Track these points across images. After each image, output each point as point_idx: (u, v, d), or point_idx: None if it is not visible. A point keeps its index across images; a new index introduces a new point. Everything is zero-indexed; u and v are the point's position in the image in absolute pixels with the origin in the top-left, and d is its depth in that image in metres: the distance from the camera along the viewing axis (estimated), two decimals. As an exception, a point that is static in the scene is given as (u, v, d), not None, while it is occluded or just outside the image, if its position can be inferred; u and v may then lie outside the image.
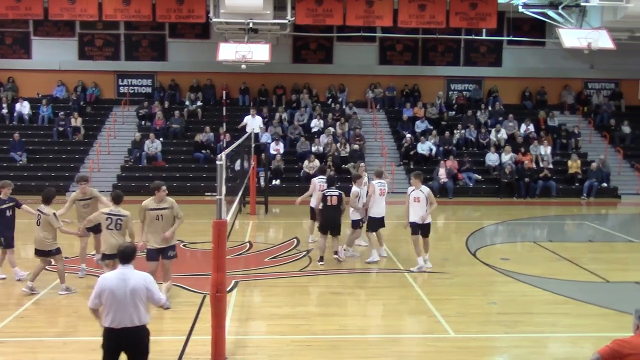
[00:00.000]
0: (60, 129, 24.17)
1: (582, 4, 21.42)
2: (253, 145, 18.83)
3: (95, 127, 25.03)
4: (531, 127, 25.03)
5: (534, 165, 23.02)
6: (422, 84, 27.21)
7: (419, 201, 11.78)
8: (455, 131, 24.72)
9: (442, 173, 22.10)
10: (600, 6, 20.81)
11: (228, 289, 9.66)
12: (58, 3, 22.03)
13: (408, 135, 24.05)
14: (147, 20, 23.12)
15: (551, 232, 17.18)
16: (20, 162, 22.69)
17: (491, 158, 23.44)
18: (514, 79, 27.49)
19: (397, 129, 25.24)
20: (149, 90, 26.96)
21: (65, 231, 10.47)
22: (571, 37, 21.48)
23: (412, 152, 23.54)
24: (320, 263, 12.30)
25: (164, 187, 9.70)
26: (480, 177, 22.95)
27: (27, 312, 9.51)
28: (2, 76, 26.26)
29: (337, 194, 12.27)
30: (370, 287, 11.32)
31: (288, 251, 13.61)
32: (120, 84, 27.03)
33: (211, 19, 21.35)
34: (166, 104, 25.63)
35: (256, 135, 22.00)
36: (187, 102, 25.99)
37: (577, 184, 22.89)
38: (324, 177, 13.95)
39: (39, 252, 10.31)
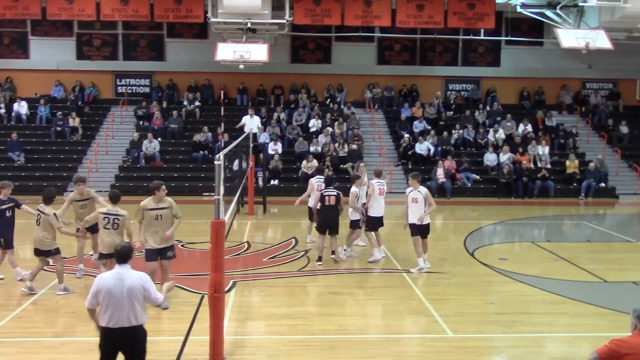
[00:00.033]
0: (58, 129, 24.14)
1: (580, 4, 21.45)
2: (251, 145, 18.83)
3: (93, 127, 25.01)
4: (529, 127, 25.06)
5: (532, 165, 23.05)
6: (420, 84, 27.23)
7: (417, 202, 11.78)
8: (453, 131, 24.73)
9: (440, 173, 22.11)
10: (598, 6, 20.83)
11: (226, 289, 9.66)
12: (56, 3, 21.98)
13: (406, 135, 24.07)
14: (145, 20, 23.08)
15: (549, 232, 17.20)
16: (18, 162, 22.66)
17: (489, 158, 23.47)
18: (512, 79, 27.51)
19: (395, 129, 25.26)
20: (147, 90, 26.94)
21: (64, 232, 10.46)
22: (569, 37, 21.49)
23: (410, 152, 23.55)
24: (319, 263, 12.31)
25: (164, 187, 9.71)
26: (478, 177, 22.97)
27: (25, 312, 9.51)
28: (0, 76, 26.21)
29: (335, 193, 12.27)
30: (368, 287, 11.32)
31: (286, 251, 13.62)
32: (118, 83, 27.01)
33: (209, 19, 21.33)
34: (164, 104, 25.63)
35: (254, 135, 22.01)
36: (185, 102, 25.99)
37: (575, 184, 22.92)
38: (322, 177, 13.96)
39: (38, 252, 10.29)
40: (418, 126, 24.90)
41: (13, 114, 24.83)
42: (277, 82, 26.74)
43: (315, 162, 21.34)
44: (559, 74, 27.42)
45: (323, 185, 13.01)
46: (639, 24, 21.29)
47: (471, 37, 25.53)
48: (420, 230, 11.82)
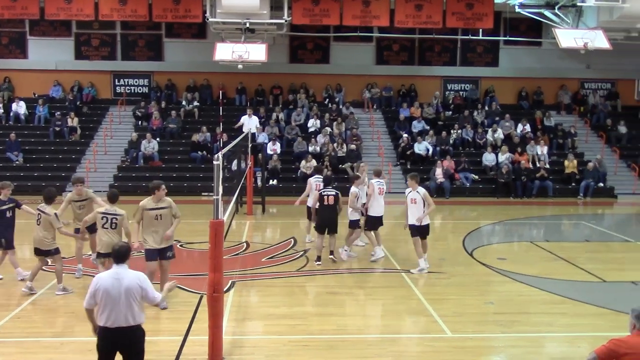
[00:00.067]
0: (57, 129, 24.12)
1: (579, 4, 21.47)
2: (250, 145, 18.82)
3: (91, 127, 24.99)
4: (528, 127, 25.09)
5: (530, 165, 23.07)
6: (419, 84, 27.24)
7: (415, 203, 11.77)
8: (452, 131, 24.74)
9: (439, 173, 22.12)
10: (597, 6, 20.85)
11: (225, 289, 9.65)
12: (54, 3, 21.95)
13: (405, 135, 24.07)
14: (143, 20, 23.06)
15: (548, 232, 17.21)
16: (17, 162, 22.63)
17: (488, 158, 23.48)
18: (510, 79, 27.54)
19: (394, 129, 25.26)
20: (145, 90, 26.93)
21: (64, 232, 10.46)
22: (567, 37, 21.51)
23: (409, 152, 23.55)
24: (318, 263, 12.31)
25: (163, 187, 9.70)
26: (477, 177, 22.98)
27: (24, 312, 9.50)
28: (-2, 76, 26.23)
29: (333, 193, 12.28)
30: (367, 287, 11.32)
31: (285, 251, 13.61)
32: (117, 83, 26.99)
33: (208, 19, 21.32)
34: (163, 104, 25.63)
35: (253, 135, 22.00)
36: (183, 102, 25.98)
37: (573, 184, 22.95)
38: (320, 176, 13.99)
39: (38, 252, 10.29)
40: (417, 126, 24.92)
41: (11, 114, 24.81)
42: (275, 82, 26.73)
43: (314, 162, 21.34)
44: (557, 74, 27.45)
45: (322, 184, 13.01)
46: (637, 24, 21.32)
47: (470, 37, 25.51)
48: (420, 231, 11.82)
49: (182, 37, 26.54)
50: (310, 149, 23.22)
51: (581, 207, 21.59)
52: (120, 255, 6.15)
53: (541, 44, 26.75)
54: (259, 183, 19.55)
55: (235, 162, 16.18)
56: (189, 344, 8.25)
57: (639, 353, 5.19)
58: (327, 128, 24.13)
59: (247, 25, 20.97)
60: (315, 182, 13.70)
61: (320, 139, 23.66)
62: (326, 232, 12.38)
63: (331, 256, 12.49)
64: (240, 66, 21.39)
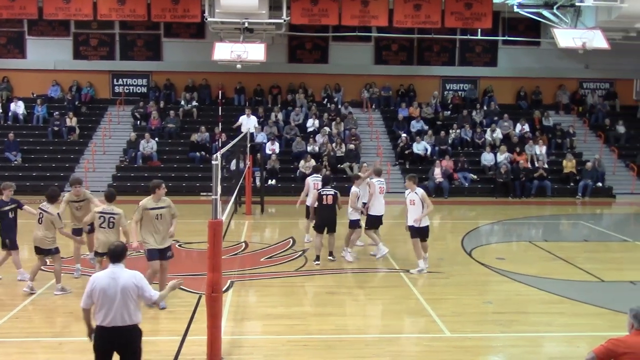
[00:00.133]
0: (55, 128, 24.09)
1: (577, 4, 21.46)
2: (249, 145, 18.83)
3: (90, 127, 24.97)
4: (526, 127, 25.10)
5: (529, 165, 23.08)
6: (418, 83, 27.26)
7: (414, 204, 11.75)
8: (450, 131, 24.75)
9: (437, 173, 22.12)
10: (595, 6, 20.83)
11: (224, 289, 9.65)
12: (53, 2, 21.93)
13: (404, 135, 24.07)
14: (142, 20, 23.04)
15: (546, 232, 17.21)
16: (15, 162, 22.61)
17: (486, 158, 23.49)
18: (509, 78, 27.55)
19: (393, 128, 25.26)
20: (144, 90, 26.91)
21: (64, 233, 10.46)
22: (566, 37, 21.53)
23: (407, 152, 23.56)
24: (316, 262, 12.31)
25: (164, 186, 9.70)
26: (475, 176, 22.99)
27: (23, 312, 9.50)
28: (-3, 76, 26.21)
29: (332, 193, 12.28)
30: (366, 286, 11.32)
31: (284, 251, 13.61)
32: (115, 83, 26.98)
33: (206, 19, 21.31)
34: (161, 104, 25.60)
35: (251, 135, 21.99)
36: (182, 102, 25.96)
37: (572, 184, 22.96)
38: (319, 175, 13.99)
39: (38, 251, 10.28)
40: (415, 126, 24.92)
41: (10, 114, 24.77)
42: (274, 82, 26.73)
43: (313, 162, 21.34)
44: (556, 73, 27.47)
45: (320, 184, 13.02)
46: (635, 23, 21.32)
47: (468, 37, 25.56)
48: (419, 233, 11.79)
49: (180, 37, 26.52)
50: (309, 148, 23.22)
51: (580, 207, 21.61)
52: (116, 254, 6.14)
53: (540, 43, 26.74)
54: (258, 183, 19.54)
55: (234, 162, 16.17)
56: (187, 344, 8.25)
57: (638, 352, 5.20)
58: (325, 128, 24.12)
59: (246, 25, 20.96)
60: (313, 182, 13.72)
61: (319, 138, 23.66)
62: (325, 231, 12.38)
63: (330, 257, 12.49)
64: (239, 66, 21.39)
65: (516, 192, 22.30)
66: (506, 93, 27.50)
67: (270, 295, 10.59)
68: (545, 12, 22.91)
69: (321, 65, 27.01)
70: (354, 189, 12.52)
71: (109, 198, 9.91)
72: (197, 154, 23.09)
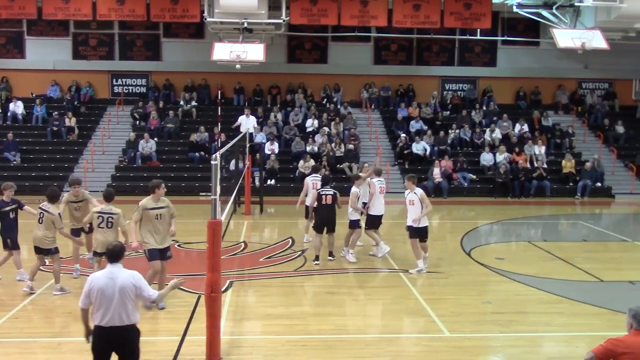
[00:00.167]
0: (54, 128, 24.08)
1: (576, 4, 21.46)
2: (248, 145, 18.83)
3: (89, 127, 24.95)
4: (525, 127, 25.11)
5: (528, 165, 23.07)
6: (417, 83, 27.26)
7: (413, 204, 11.74)
8: (449, 131, 24.76)
9: (436, 173, 22.13)
10: (594, 6, 20.83)
11: (223, 289, 9.65)
12: (52, 2, 21.93)
13: (403, 135, 24.07)
14: (141, 20, 23.04)
15: (545, 232, 17.21)
16: (14, 162, 22.59)
17: (486, 158, 23.49)
18: (508, 78, 27.56)
19: (392, 128, 25.26)
20: (143, 90, 26.90)
21: (64, 234, 10.45)
22: (565, 37, 21.52)
23: (406, 152, 23.56)
24: (316, 262, 12.31)
25: (163, 186, 9.69)
26: (474, 176, 22.99)
27: (22, 312, 9.49)
28: (-4, 76, 26.19)
29: (331, 192, 12.29)
30: (365, 286, 11.32)
31: (283, 251, 13.61)
32: (115, 83, 26.96)
33: (206, 19, 21.30)
34: (161, 104, 25.58)
35: (250, 135, 21.98)
36: (181, 102, 25.95)
37: (571, 184, 22.97)
38: (318, 175, 13.99)
39: (38, 250, 10.28)
40: (415, 126, 24.93)
41: (9, 114, 24.75)
42: (273, 82, 26.72)
43: (312, 162, 21.34)
44: (555, 74, 27.48)
45: (319, 184, 13.03)
46: (634, 24, 21.32)
47: (467, 37, 25.56)
48: (418, 233, 11.78)
49: (180, 37, 26.51)
50: (308, 148, 23.22)
51: (579, 207, 21.62)
52: (114, 254, 6.14)
53: (539, 44, 26.76)
54: (257, 183, 19.54)
55: (233, 162, 16.19)
56: (186, 344, 8.25)
57: (637, 352, 5.21)
58: (325, 128, 24.11)
59: (245, 25, 20.95)
60: (312, 181, 13.72)
61: (318, 138, 23.65)
62: (325, 231, 12.38)
63: (330, 257, 12.49)
64: (238, 66, 21.38)
65: (515, 192, 22.31)
66: (505, 93, 27.50)
67: (270, 295, 10.58)
68: (545, 12, 22.92)
69: (320, 65, 27.01)
70: (354, 189, 12.51)
71: (108, 198, 9.92)
72: (197, 154, 23.08)
